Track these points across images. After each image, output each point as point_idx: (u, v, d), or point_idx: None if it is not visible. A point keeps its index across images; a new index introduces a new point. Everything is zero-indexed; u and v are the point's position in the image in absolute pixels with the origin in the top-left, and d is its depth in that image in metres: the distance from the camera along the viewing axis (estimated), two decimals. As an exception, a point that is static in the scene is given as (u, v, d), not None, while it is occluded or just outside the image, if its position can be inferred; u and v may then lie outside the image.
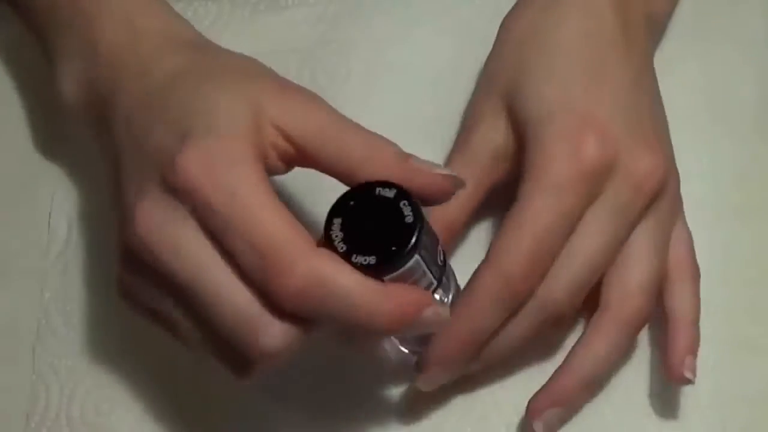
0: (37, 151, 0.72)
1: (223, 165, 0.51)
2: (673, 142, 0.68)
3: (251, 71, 0.58)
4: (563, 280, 0.58)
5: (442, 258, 0.56)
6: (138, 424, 0.65)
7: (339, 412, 0.64)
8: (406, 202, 0.53)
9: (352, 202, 0.54)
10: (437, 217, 0.60)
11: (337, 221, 0.53)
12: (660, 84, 0.70)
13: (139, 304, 0.56)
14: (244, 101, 0.54)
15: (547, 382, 0.61)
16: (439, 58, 0.72)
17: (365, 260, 0.52)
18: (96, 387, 0.66)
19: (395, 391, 0.64)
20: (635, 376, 0.63)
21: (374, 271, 0.52)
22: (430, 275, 0.55)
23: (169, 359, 0.66)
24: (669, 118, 0.69)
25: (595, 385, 0.61)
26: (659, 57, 0.69)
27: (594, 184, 0.58)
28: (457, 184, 0.55)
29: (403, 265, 0.52)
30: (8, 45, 0.75)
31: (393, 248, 0.52)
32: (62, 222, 0.70)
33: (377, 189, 0.54)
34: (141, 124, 0.56)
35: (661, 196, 0.61)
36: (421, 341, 0.62)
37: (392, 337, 0.63)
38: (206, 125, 0.53)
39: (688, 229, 0.64)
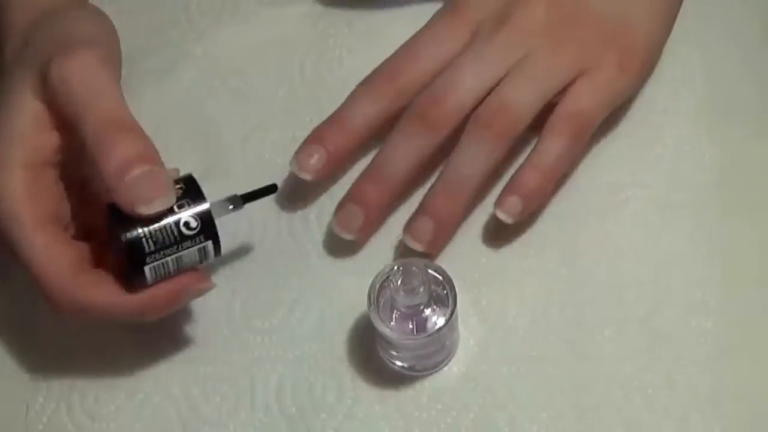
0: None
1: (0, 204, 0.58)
2: (673, 142, 0.69)
3: (51, 44, 0.60)
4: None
5: (189, 224, 0.59)
6: (138, 411, 0.65)
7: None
8: (115, 230, 0.58)
9: (107, 230, 0.60)
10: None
11: (110, 249, 0.61)
12: (660, 84, 0.70)
13: None
14: (26, 88, 0.59)
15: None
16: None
17: (130, 279, 0.59)
18: (95, 376, 0.66)
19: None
20: (635, 376, 0.64)
21: (137, 287, 0.59)
22: (179, 252, 0.59)
23: (165, 348, 0.66)
24: (669, 118, 0.70)
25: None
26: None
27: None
28: (151, 208, 0.58)
29: (142, 281, 0.59)
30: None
31: (128, 273, 0.59)
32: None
33: (108, 215, 0.59)
34: None
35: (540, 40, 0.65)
36: (416, 357, 0.63)
37: (388, 352, 0.64)
38: None
39: (601, 105, 0.65)
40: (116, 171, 0.57)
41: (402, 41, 0.68)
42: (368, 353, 0.65)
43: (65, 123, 0.59)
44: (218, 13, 0.75)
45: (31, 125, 0.59)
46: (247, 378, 0.66)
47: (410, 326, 0.62)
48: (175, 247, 0.59)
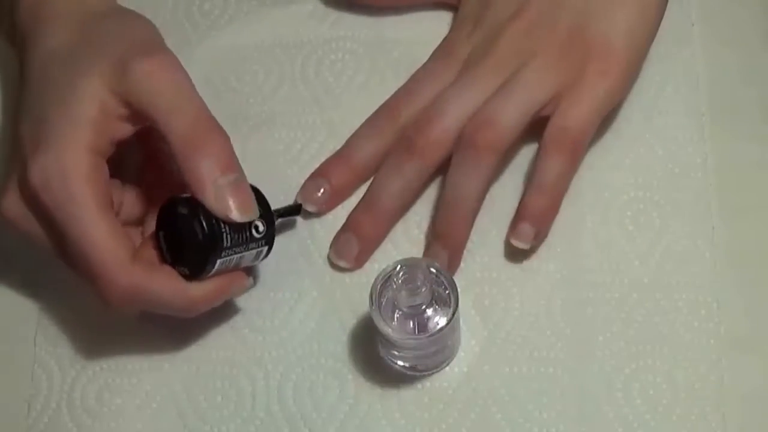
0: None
1: (59, 181, 0.59)
2: (674, 142, 0.69)
3: (120, 42, 0.62)
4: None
5: (258, 227, 0.62)
6: (139, 410, 0.66)
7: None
8: (198, 219, 0.60)
9: (168, 217, 0.61)
10: None
11: (161, 234, 0.62)
12: (661, 85, 0.70)
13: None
14: (95, 81, 0.60)
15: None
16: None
17: (183, 270, 0.61)
18: (96, 375, 0.67)
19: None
20: (636, 376, 0.64)
21: (192, 277, 0.61)
22: (244, 252, 0.62)
23: (166, 347, 0.67)
24: (669, 118, 0.70)
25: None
26: (659, 58, 0.70)
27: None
28: (243, 217, 0.60)
29: (208, 272, 0.61)
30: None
31: (196, 262, 0.60)
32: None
33: (178, 207, 0.61)
34: (20, 102, 0.63)
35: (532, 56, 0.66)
36: (418, 357, 0.63)
37: (390, 352, 0.64)
38: (56, 128, 0.60)
39: (590, 115, 0.65)
40: (207, 177, 0.59)
41: (403, 43, 0.70)
42: (370, 353, 0.65)
43: (140, 119, 0.60)
44: (220, 14, 0.74)
45: (99, 111, 0.60)
46: (248, 377, 0.66)
47: (412, 326, 0.62)
48: (244, 246, 0.61)
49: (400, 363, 0.64)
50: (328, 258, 0.68)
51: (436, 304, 0.61)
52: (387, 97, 0.69)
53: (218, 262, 0.60)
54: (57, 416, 0.66)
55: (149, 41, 0.63)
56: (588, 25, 0.66)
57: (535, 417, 0.63)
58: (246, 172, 0.68)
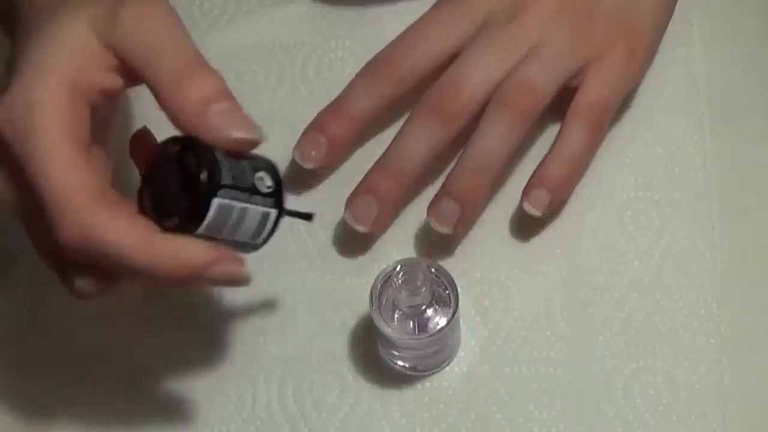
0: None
1: (22, 112, 0.53)
2: (674, 142, 0.69)
3: None
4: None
5: (264, 181, 0.56)
6: (139, 412, 0.66)
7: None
8: (191, 154, 0.53)
9: (154, 168, 0.55)
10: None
11: (147, 191, 0.54)
12: (661, 84, 0.70)
13: None
14: (81, 23, 0.55)
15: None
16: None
17: (172, 222, 0.53)
18: (96, 379, 0.66)
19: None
20: (636, 376, 0.64)
21: (184, 230, 0.53)
22: (248, 204, 0.55)
23: (167, 350, 0.67)
24: (669, 117, 0.70)
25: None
26: (659, 57, 0.70)
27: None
28: (251, 142, 0.54)
29: (205, 215, 0.53)
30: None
31: (187, 204, 0.53)
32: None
33: (168, 146, 0.54)
34: (11, 48, 0.58)
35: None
36: (418, 357, 0.63)
37: (390, 352, 0.64)
38: (32, 61, 0.54)
39: (616, 92, 0.66)
40: (198, 106, 0.53)
41: None
42: (370, 353, 0.65)
43: (130, 73, 0.56)
44: (220, 13, 0.74)
45: (83, 50, 0.55)
46: (248, 378, 0.66)
47: (412, 326, 0.62)
48: (248, 194, 0.54)
49: (400, 363, 0.64)
50: (334, 229, 0.67)
51: (436, 304, 0.61)
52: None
53: (216, 203, 0.53)
54: (58, 422, 0.66)
55: None
56: (619, 2, 0.66)
57: (535, 417, 0.63)
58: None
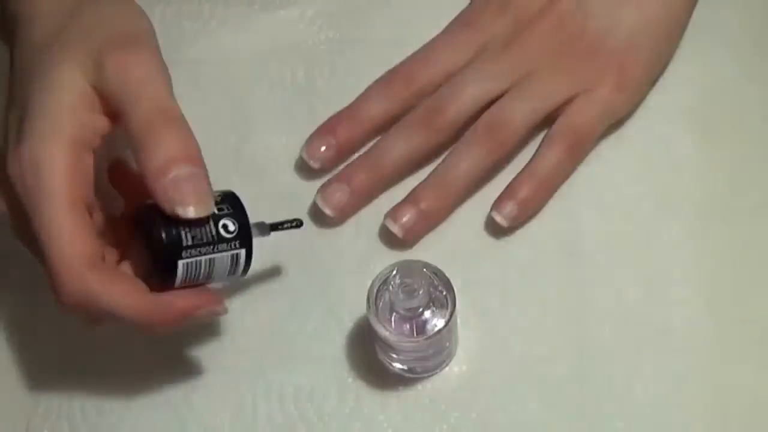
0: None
1: (32, 173, 0.56)
2: (674, 143, 0.69)
3: (103, 31, 0.59)
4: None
5: (227, 227, 0.58)
6: (138, 415, 0.65)
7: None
8: (154, 220, 0.56)
9: (135, 226, 0.59)
10: None
11: (133, 249, 0.59)
12: (661, 86, 0.71)
13: None
14: (75, 71, 0.57)
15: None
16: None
17: (153, 281, 0.58)
18: (95, 386, 0.66)
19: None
20: (636, 375, 0.64)
21: (162, 286, 0.58)
22: (214, 254, 0.58)
23: (167, 354, 0.66)
24: (670, 119, 0.70)
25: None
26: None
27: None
28: (191, 212, 0.57)
29: (173, 278, 0.57)
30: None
31: (159, 267, 0.57)
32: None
33: (143, 211, 0.57)
34: (8, 89, 0.61)
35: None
36: (416, 359, 0.63)
37: (388, 355, 0.64)
38: (36, 117, 0.57)
39: (598, 119, 0.68)
40: (159, 168, 0.55)
41: (392, 47, 0.70)
42: (370, 355, 0.65)
43: (113, 114, 0.58)
44: (209, 18, 0.74)
45: (80, 101, 0.57)
46: (248, 383, 0.65)
47: (409, 329, 0.62)
48: (212, 247, 0.58)
49: (398, 366, 0.64)
50: (331, 232, 0.68)
51: (434, 306, 0.61)
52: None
53: (181, 264, 0.57)
54: (57, 429, 0.66)
55: (131, 33, 0.60)
56: (613, 36, 0.68)
57: (536, 416, 0.63)
58: (238, 179, 0.68)
